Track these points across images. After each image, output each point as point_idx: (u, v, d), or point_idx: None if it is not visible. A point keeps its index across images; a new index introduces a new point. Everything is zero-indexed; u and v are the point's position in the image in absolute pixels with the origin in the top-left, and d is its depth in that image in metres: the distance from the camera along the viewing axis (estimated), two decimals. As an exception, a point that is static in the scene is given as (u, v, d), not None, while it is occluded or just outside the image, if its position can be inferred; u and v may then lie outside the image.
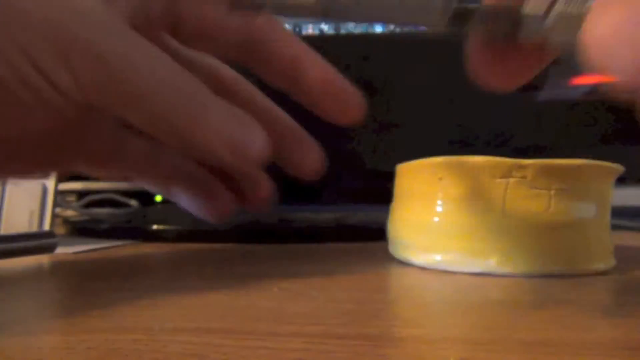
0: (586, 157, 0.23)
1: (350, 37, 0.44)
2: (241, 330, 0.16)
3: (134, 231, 0.36)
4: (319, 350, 0.14)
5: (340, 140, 0.27)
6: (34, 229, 0.33)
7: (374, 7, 0.17)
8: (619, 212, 0.54)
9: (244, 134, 0.21)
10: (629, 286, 0.23)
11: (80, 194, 0.57)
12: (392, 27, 0.43)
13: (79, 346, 0.14)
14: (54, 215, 0.34)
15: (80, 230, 0.40)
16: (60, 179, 0.35)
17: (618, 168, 0.25)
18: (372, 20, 0.18)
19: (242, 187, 0.27)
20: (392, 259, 0.28)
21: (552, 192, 0.23)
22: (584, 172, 0.24)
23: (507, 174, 0.23)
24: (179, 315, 0.18)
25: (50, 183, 0.35)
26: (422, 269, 0.25)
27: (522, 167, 0.23)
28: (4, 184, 0.35)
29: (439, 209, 0.25)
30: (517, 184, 0.23)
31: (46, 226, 0.34)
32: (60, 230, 0.41)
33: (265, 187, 0.27)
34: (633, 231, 0.45)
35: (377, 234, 0.29)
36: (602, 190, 0.25)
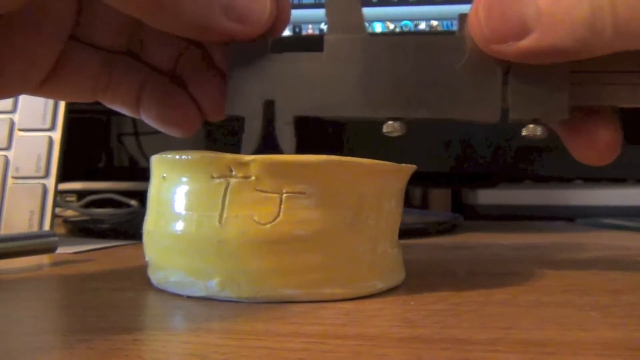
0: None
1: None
2: (241, 330, 0.16)
3: (134, 231, 0.36)
4: (319, 350, 0.14)
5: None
6: (34, 229, 0.33)
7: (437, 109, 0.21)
8: (619, 212, 0.54)
9: (250, 4, 0.20)
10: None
11: (80, 194, 0.57)
12: (391, 26, 0.43)
13: (79, 346, 0.14)
14: (54, 215, 0.34)
15: (81, 230, 0.40)
16: (60, 179, 0.35)
17: (390, 167, 0.20)
18: (436, 118, 0.21)
19: (195, 95, 0.25)
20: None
21: (284, 196, 0.18)
22: (330, 172, 0.19)
23: (226, 173, 0.19)
24: (179, 315, 0.18)
25: (51, 183, 0.35)
26: (158, 290, 0.21)
27: (243, 163, 0.18)
28: (4, 184, 0.35)
29: (162, 215, 0.20)
30: (240, 186, 0.18)
31: (46, 226, 0.34)
32: (60, 230, 0.41)
33: (218, 87, 0.24)
34: (633, 231, 0.45)
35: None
36: (366, 193, 0.20)
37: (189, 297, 0.19)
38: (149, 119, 0.25)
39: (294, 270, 0.19)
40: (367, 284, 0.20)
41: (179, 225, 0.19)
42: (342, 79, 0.21)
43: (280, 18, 0.22)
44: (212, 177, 0.19)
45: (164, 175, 0.20)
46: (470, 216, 0.56)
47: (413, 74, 0.20)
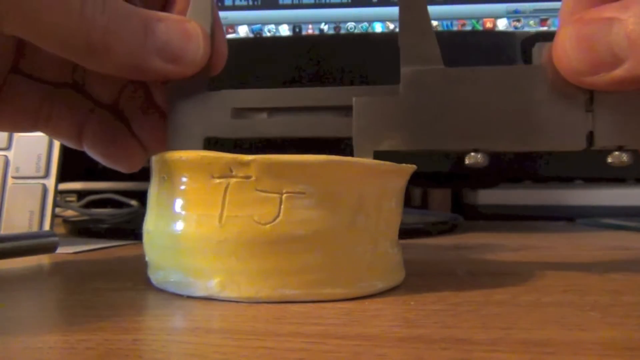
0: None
1: (351, 37, 0.44)
2: (241, 330, 0.16)
3: (135, 231, 0.36)
4: (319, 350, 0.14)
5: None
6: (34, 229, 0.33)
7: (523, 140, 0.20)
8: (619, 212, 0.54)
9: (184, 45, 0.21)
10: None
11: (80, 194, 0.57)
12: (392, 26, 0.43)
13: (79, 346, 0.14)
14: (54, 215, 0.34)
15: (81, 230, 0.40)
16: (60, 179, 0.35)
17: (390, 167, 0.20)
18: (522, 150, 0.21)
19: (137, 132, 0.25)
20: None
21: (284, 196, 0.18)
22: (330, 172, 0.19)
23: (226, 173, 0.19)
24: (179, 315, 0.18)
25: (51, 183, 0.35)
26: (158, 290, 0.21)
27: (243, 163, 0.18)
28: (4, 184, 0.35)
29: (162, 215, 0.20)
30: (240, 186, 0.18)
31: (46, 226, 0.34)
32: (60, 230, 0.41)
33: (159, 124, 0.24)
34: (633, 231, 0.45)
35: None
36: (366, 193, 0.19)
37: (189, 297, 0.19)
38: (92, 154, 0.25)
39: (294, 270, 0.19)
40: (367, 284, 0.20)
41: (179, 225, 0.19)
42: (421, 111, 0.21)
43: (216, 56, 0.22)
44: (212, 177, 0.19)
45: (164, 175, 0.20)
46: (470, 216, 0.56)
47: (493, 105, 0.20)
